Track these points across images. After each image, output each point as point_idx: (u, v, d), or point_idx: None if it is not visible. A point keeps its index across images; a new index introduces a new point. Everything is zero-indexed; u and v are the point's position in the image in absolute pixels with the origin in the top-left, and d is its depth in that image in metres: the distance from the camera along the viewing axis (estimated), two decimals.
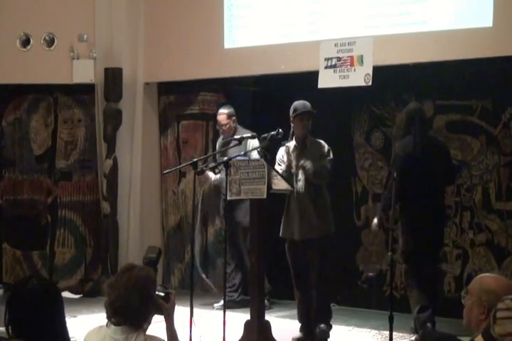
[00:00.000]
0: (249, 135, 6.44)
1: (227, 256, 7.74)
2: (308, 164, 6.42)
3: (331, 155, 6.50)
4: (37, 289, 3.16)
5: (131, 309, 3.41)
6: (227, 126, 7.92)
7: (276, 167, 6.44)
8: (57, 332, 3.17)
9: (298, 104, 6.56)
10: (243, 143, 7.45)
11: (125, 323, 3.43)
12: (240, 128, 7.91)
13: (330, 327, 6.58)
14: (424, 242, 6.61)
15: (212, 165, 7.28)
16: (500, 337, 2.86)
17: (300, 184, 6.47)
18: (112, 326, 3.47)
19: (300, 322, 6.64)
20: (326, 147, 6.53)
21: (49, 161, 9.17)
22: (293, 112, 6.51)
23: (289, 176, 6.44)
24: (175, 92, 9.16)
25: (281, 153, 6.61)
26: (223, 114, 7.97)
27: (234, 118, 7.96)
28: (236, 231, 7.84)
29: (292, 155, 6.54)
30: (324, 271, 6.49)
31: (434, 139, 6.94)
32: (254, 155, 7.32)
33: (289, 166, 6.54)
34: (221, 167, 7.29)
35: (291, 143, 6.57)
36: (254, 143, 7.17)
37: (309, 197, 6.46)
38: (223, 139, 7.91)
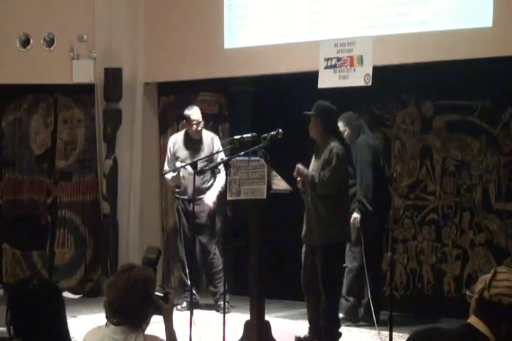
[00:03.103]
0: (249, 135, 6.43)
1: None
2: (304, 172, 6.30)
3: (334, 162, 6.23)
4: (38, 289, 3.16)
5: (130, 310, 3.40)
6: (202, 124, 7.89)
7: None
8: (58, 332, 3.17)
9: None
10: (210, 145, 7.63)
11: (125, 323, 3.42)
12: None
13: (338, 336, 6.49)
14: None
15: (212, 165, 7.27)
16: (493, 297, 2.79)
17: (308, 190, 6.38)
18: (111, 326, 3.46)
19: (309, 323, 6.59)
20: (333, 151, 6.26)
21: (49, 161, 9.18)
22: None
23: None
24: (175, 92, 9.16)
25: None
26: (199, 112, 7.86)
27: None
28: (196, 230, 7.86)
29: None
30: (329, 281, 6.32)
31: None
32: (221, 157, 7.44)
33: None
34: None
35: None
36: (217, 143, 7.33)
37: (313, 204, 6.34)
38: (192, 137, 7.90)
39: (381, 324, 6.89)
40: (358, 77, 7.27)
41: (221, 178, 7.58)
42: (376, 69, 7.18)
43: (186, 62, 8.62)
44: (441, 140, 7.73)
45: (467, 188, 7.57)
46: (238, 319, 6.74)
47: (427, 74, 7.40)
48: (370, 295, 7.03)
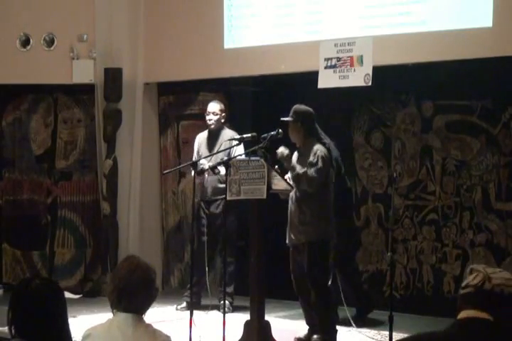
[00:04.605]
0: (249, 135, 6.43)
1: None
2: (298, 168, 6.29)
3: (319, 164, 6.23)
4: (40, 289, 3.16)
5: (134, 291, 3.43)
6: (220, 116, 7.83)
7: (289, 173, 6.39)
8: (60, 331, 3.17)
9: None
10: (227, 143, 7.39)
11: (130, 310, 3.43)
12: (226, 128, 7.90)
13: (334, 332, 6.45)
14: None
15: (212, 165, 7.26)
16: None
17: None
18: (118, 317, 3.45)
19: (307, 324, 6.58)
20: (317, 154, 6.26)
21: (49, 161, 9.18)
22: None
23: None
24: (175, 92, 9.17)
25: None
26: (217, 105, 7.90)
27: (224, 114, 7.92)
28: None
29: (294, 159, 6.48)
30: (316, 276, 6.30)
31: None
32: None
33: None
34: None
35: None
36: (239, 149, 7.12)
37: (297, 202, 6.35)
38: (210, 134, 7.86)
39: (380, 324, 6.91)
40: (358, 77, 7.27)
41: None
42: (376, 69, 7.18)
43: (186, 62, 8.62)
44: (441, 140, 7.73)
45: (467, 188, 7.57)
46: (238, 319, 6.74)
47: (427, 74, 7.40)
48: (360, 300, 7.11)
